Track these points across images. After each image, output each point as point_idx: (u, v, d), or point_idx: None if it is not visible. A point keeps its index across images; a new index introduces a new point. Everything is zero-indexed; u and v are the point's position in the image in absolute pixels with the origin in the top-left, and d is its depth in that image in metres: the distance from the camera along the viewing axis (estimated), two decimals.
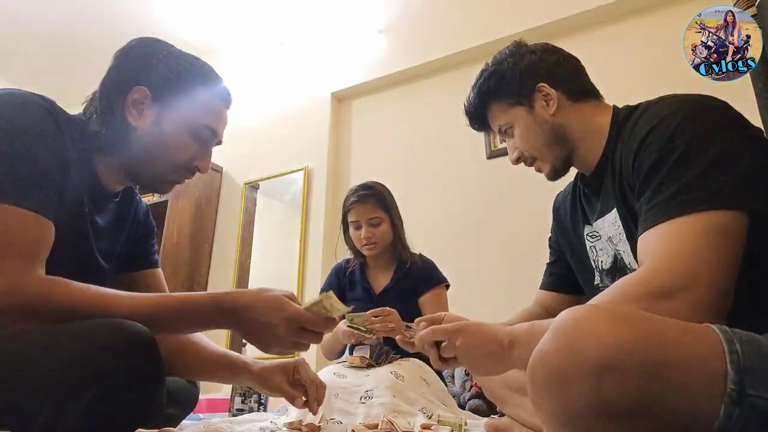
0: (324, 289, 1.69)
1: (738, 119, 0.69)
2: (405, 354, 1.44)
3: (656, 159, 0.66)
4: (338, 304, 0.75)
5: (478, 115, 0.97)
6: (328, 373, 1.37)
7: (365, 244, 1.61)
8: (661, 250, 0.60)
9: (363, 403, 1.18)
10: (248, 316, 0.72)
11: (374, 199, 1.62)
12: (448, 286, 1.65)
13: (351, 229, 1.65)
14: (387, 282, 1.64)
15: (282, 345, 0.74)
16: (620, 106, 0.86)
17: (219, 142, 0.93)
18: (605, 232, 0.84)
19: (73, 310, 0.65)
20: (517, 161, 0.93)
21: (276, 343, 0.74)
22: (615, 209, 0.80)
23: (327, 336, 1.52)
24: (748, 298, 0.58)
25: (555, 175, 0.91)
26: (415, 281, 1.61)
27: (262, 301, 0.73)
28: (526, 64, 0.90)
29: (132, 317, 0.66)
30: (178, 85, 0.85)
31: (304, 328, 0.74)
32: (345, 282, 1.71)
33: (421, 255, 1.71)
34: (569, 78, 0.90)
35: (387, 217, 1.62)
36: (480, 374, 0.76)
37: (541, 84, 0.87)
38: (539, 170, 0.92)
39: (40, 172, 0.69)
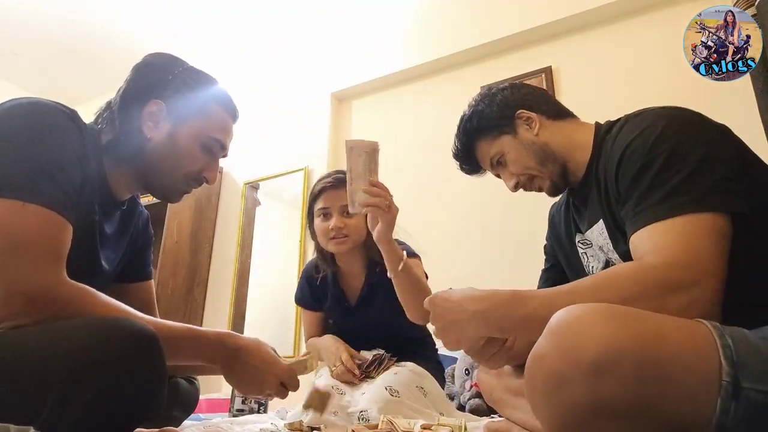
0: (300, 303, 1.56)
1: (713, 125, 0.72)
2: (401, 358, 1.38)
3: (641, 165, 0.69)
4: (316, 365, 0.92)
5: (468, 156, 1.02)
6: (325, 385, 1.31)
7: (333, 237, 1.35)
8: (665, 246, 0.62)
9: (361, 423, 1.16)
10: (246, 360, 0.83)
11: None
12: (419, 258, 1.40)
13: (317, 221, 1.39)
14: (359, 288, 1.45)
15: (261, 393, 0.87)
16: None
17: (225, 155, 0.99)
18: (596, 242, 0.87)
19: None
20: (515, 187, 0.97)
21: (257, 391, 0.86)
22: (601, 220, 0.83)
23: (317, 342, 1.47)
24: (732, 296, 0.60)
25: (556, 190, 0.94)
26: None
27: (262, 352, 0.85)
28: (501, 99, 0.96)
29: None
30: (191, 101, 0.91)
31: (284, 384, 0.88)
32: (318, 292, 1.51)
33: (396, 241, 1.43)
34: (543, 102, 0.95)
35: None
36: (457, 341, 0.72)
37: (520, 111, 0.93)
38: (540, 189, 0.95)
39: (64, 174, 0.71)
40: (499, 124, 0.94)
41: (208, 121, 0.92)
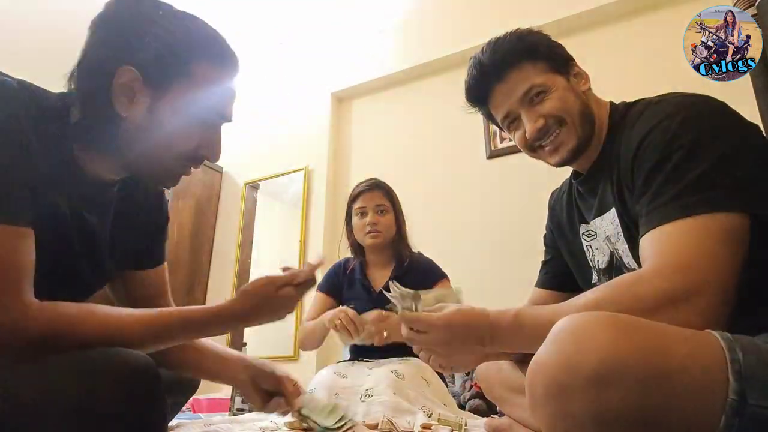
0: (321, 288, 1.68)
1: (738, 119, 0.68)
2: (406, 354, 1.44)
3: (658, 159, 0.65)
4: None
5: (498, 71, 0.83)
6: (329, 373, 1.37)
7: (369, 232, 1.60)
8: (667, 252, 0.59)
9: (363, 401, 1.18)
10: (245, 290, 0.76)
11: (382, 190, 1.66)
12: (448, 280, 1.67)
13: (355, 219, 1.65)
14: (386, 279, 1.60)
15: (281, 305, 0.77)
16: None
17: (228, 120, 0.80)
18: (603, 231, 0.83)
19: (78, 341, 0.60)
20: (539, 131, 0.82)
21: (277, 310, 0.77)
22: (613, 208, 0.79)
23: (308, 324, 1.52)
24: (746, 300, 0.58)
25: (574, 154, 0.82)
26: (416, 278, 1.58)
27: (253, 285, 0.77)
28: (556, 43, 0.87)
29: (142, 340, 0.65)
30: (174, 62, 0.69)
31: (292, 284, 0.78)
32: (344, 281, 1.69)
33: (420, 253, 1.72)
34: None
35: (392, 210, 1.65)
36: (450, 367, 0.76)
37: (574, 62, 0.86)
38: (557, 147, 0.82)
39: (6, 175, 0.60)
40: (556, 60, 0.83)
41: (194, 86, 0.71)
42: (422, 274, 1.61)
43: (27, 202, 0.61)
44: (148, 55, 0.68)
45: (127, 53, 0.68)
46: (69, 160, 0.71)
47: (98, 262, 0.80)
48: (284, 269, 0.81)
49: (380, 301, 1.47)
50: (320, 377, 1.38)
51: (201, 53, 0.72)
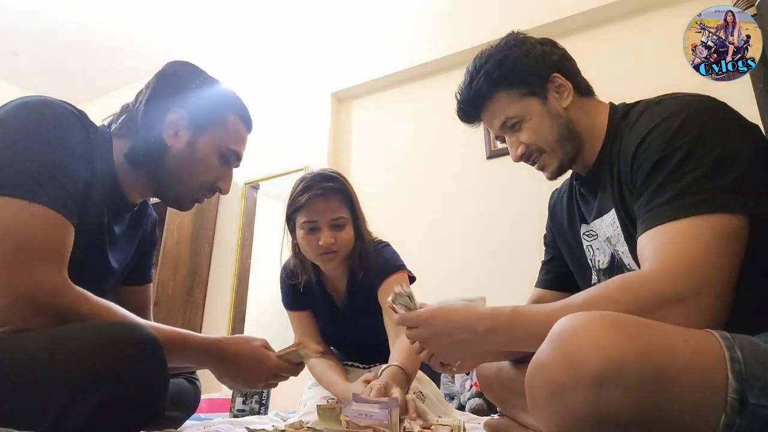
0: (292, 306, 1.42)
1: (739, 120, 0.68)
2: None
3: (657, 160, 0.65)
4: (310, 349, 0.92)
5: (476, 104, 0.88)
6: (316, 403, 1.23)
7: (324, 253, 1.22)
8: (667, 252, 0.59)
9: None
10: (234, 364, 0.85)
11: (339, 194, 1.22)
12: (412, 277, 1.34)
13: (301, 233, 1.24)
14: (344, 289, 1.35)
15: (255, 387, 0.91)
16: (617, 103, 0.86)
17: (238, 165, 1.01)
18: (603, 233, 0.83)
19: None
20: (521, 158, 0.86)
21: (249, 386, 0.89)
22: (613, 210, 0.79)
23: (319, 369, 1.30)
24: (746, 301, 0.58)
25: (559, 172, 0.87)
26: (374, 278, 1.28)
27: (247, 353, 0.87)
28: (540, 53, 0.85)
29: None
30: (212, 112, 0.92)
31: (279, 374, 0.91)
32: (305, 297, 1.38)
33: (379, 242, 1.37)
34: (575, 72, 0.88)
35: (351, 218, 1.25)
36: (449, 368, 0.77)
37: (555, 74, 0.84)
38: (542, 168, 0.87)
39: (67, 175, 0.71)
40: (531, 82, 0.83)
41: (226, 132, 0.94)
42: (376, 271, 1.28)
43: (77, 204, 0.72)
44: (196, 103, 0.91)
45: (180, 99, 0.90)
46: (113, 177, 0.86)
47: (116, 270, 0.92)
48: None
49: (346, 319, 1.34)
50: (314, 383, 1.35)
51: (234, 110, 0.96)
